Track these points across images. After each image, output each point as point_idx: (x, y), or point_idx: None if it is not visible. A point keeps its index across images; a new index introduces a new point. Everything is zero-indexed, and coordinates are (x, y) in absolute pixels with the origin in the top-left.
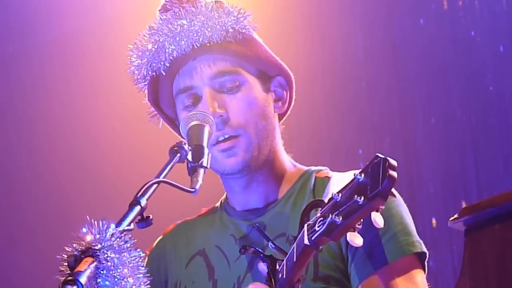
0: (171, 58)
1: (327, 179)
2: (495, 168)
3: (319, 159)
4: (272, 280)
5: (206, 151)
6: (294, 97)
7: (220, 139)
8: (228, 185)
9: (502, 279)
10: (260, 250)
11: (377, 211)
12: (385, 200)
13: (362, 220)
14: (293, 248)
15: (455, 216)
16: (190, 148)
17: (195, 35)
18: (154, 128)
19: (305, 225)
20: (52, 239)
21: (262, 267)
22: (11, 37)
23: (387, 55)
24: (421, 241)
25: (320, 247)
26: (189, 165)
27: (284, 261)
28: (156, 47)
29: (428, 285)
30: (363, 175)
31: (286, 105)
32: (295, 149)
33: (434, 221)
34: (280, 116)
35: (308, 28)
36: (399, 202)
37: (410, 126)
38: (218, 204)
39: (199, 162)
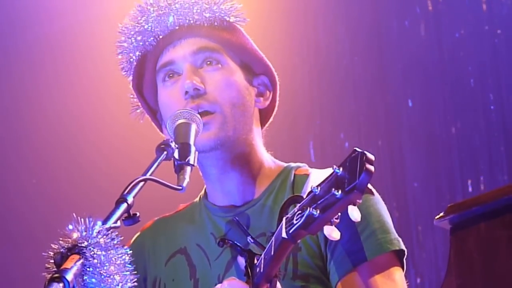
0: (157, 37)
1: (306, 176)
2: (480, 166)
3: (304, 158)
4: (250, 274)
5: (193, 149)
6: (277, 101)
7: None
8: (205, 172)
9: (489, 277)
10: (238, 244)
11: (354, 205)
12: (362, 193)
13: (339, 213)
14: (271, 241)
15: (441, 214)
16: (176, 146)
17: (182, 15)
18: (142, 125)
19: (284, 218)
20: (38, 236)
21: (240, 261)
22: (1, 35)
23: (373, 56)
24: (400, 239)
25: (298, 241)
26: (175, 163)
27: (262, 255)
28: (143, 27)
29: (407, 283)
30: (341, 169)
31: (268, 102)
32: (278, 148)
33: (419, 219)
34: (262, 118)
35: (294, 29)
36: (377, 200)
37: (395, 125)
38: (197, 199)
39: (186, 160)
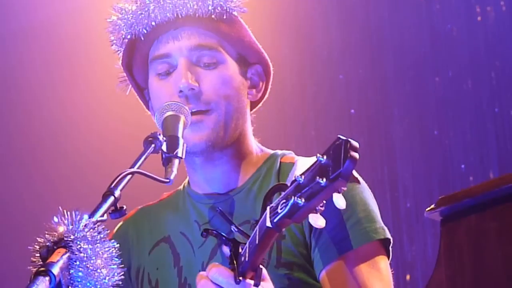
0: (153, 23)
1: (292, 164)
2: (471, 159)
3: (295, 152)
4: (235, 263)
5: (181, 141)
6: (269, 88)
7: None
8: (188, 160)
9: (478, 269)
10: (222, 233)
11: (339, 192)
12: (346, 181)
13: (324, 201)
14: (256, 230)
15: (432, 206)
16: (164, 138)
17: (181, 4)
18: (131, 118)
19: (268, 208)
20: (24, 230)
21: (225, 250)
22: None
23: (365, 48)
24: (385, 228)
25: (283, 229)
26: (163, 155)
27: (247, 244)
28: (140, 9)
29: (392, 272)
30: (325, 157)
31: (260, 94)
32: (269, 143)
33: (409, 209)
34: (252, 105)
35: (285, 20)
36: (363, 189)
37: (386, 118)
38: (181, 187)
39: (174, 153)
